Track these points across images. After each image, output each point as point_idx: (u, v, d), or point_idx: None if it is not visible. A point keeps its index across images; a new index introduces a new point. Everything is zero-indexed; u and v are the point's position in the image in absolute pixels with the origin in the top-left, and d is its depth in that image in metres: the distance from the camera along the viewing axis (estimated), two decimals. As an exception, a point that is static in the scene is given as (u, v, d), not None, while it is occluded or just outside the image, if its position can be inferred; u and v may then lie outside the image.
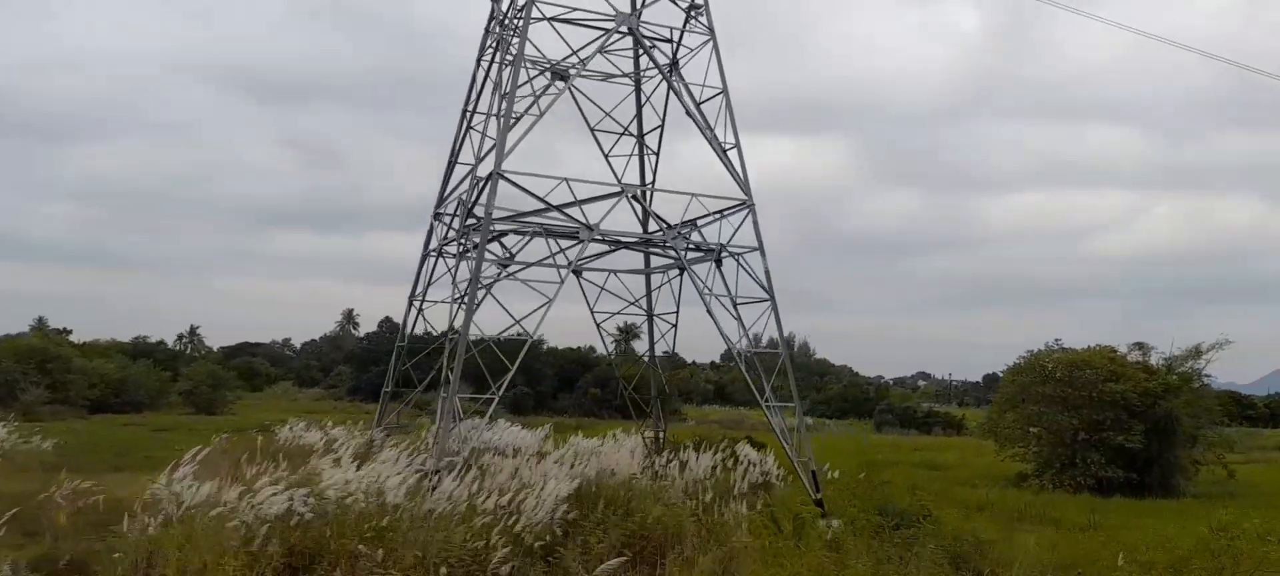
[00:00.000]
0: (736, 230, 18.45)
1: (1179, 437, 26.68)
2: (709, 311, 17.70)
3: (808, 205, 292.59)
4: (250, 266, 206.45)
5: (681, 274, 19.88)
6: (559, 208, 17.24)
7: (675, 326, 21.91)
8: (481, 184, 17.12)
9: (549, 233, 17.18)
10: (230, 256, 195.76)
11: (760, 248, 18.44)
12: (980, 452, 33.32)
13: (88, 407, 39.46)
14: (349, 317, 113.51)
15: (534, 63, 17.81)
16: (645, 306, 22.14)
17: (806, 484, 17.50)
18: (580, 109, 20.71)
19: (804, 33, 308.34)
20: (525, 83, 17.36)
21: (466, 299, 16.18)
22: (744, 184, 18.61)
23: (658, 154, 21.64)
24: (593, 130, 20.98)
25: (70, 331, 66.94)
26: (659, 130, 21.48)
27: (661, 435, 22.71)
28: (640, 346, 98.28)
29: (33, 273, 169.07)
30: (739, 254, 18.32)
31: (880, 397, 77.21)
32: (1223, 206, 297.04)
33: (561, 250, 17.19)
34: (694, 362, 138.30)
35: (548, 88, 17.47)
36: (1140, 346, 29.39)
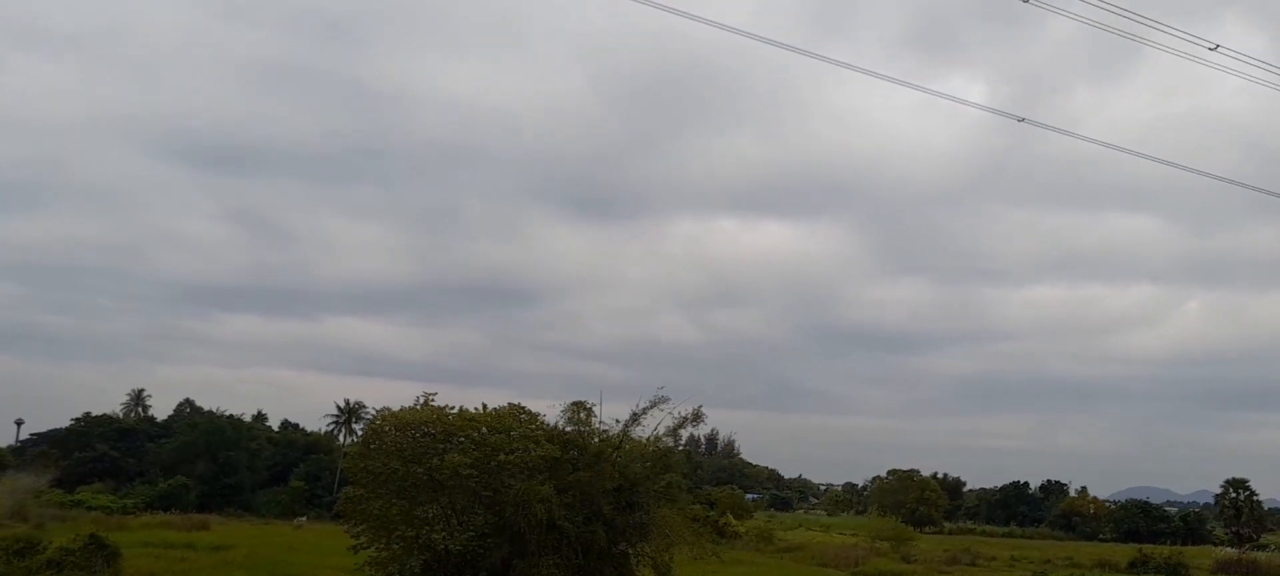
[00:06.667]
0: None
1: (532, 539, 17.83)
2: None
3: (806, 295, 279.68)
4: (186, 350, 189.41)
5: None
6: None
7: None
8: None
9: None
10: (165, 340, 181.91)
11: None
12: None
13: None
14: (137, 399, 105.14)
15: None
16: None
17: None
18: None
19: (798, 108, 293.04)
20: None
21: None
22: None
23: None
24: None
25: None
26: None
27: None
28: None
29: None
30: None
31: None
32: (1259, 303, 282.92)
33: None
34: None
35: None
36: (580, 405, 21.51)
